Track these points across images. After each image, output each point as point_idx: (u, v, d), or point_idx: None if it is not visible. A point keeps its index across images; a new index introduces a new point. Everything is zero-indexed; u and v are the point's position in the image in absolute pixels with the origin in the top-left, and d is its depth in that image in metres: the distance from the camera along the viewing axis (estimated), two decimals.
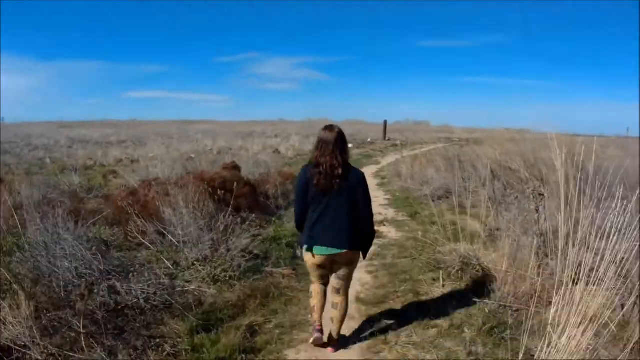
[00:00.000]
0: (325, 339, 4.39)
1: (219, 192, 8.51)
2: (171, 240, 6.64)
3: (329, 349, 4.40)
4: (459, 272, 6.32)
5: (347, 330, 4.75)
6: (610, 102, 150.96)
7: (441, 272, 6.32)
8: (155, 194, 7.91)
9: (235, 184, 8.14)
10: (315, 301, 4.42)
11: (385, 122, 36.61)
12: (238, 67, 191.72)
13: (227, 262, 6.12)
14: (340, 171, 4.02)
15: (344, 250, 4.13)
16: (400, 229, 9.05)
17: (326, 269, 4.33)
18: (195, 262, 6.13)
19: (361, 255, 4.41)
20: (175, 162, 14.71)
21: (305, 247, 4.25)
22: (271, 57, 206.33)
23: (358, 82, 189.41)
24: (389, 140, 34.67)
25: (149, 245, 6.68)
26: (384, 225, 9.35)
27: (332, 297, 4.41)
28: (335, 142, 4.08)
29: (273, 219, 8.84)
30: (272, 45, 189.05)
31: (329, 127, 4.18)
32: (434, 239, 7.57)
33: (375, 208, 9.95)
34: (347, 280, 4.40)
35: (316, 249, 4.15)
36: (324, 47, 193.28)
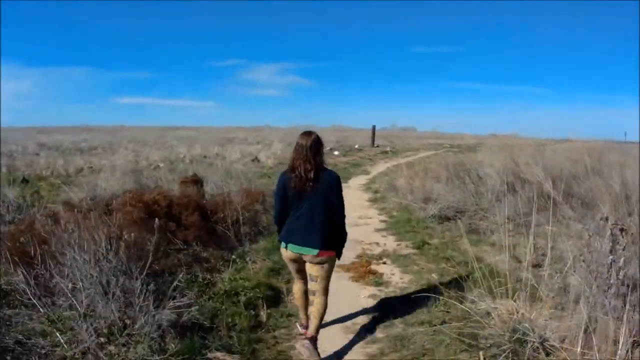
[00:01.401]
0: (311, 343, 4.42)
1: (159, 220, 6.29)
2: (62, 304, 4.34)
3: (305, 340, 4.47)
4: (512, 355, 4.04)
5: None
6: (598, 107, 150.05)
7: (481, 354, 4.06)
8: (66, 225, 5.60)
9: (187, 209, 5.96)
10: (297, 302, 4.85)
11: (374, 127, 34.53)
12: (225, 73, 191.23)
13: (143, 341, 3.85)
14: (312, 174, 4.18)
15: (316, 251, 4.24)
16: (407, 268, 6.81)
17: (300, 264, 4.49)
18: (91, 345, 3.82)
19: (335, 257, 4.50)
20: (126, 174, 12.33)
21: (282, 243, 4.45)
22: (257, 63, 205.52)
23: (343, 89, 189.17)
24: (377, 146, 32.49)
25: (40, 308, 4.38)
26: (384, 262, 7.14)
27: (310, 296, 4.57)
28: (310, 147, 4.21)
29: (233, 256, 6.57)
30: (258, 51, 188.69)
31: (307, 133, 4.33)
32: (458, 286, 5.49)
33: (370, 234, 8.17)
34: (324, 281, 4.42)
35: (290, 246, 4.35)
36: (308, 54, 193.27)
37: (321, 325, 4.51)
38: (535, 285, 4.82)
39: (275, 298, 5.54)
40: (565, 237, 7.74)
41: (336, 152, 26.99)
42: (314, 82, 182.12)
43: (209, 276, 5.86)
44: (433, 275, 6.24)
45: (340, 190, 4.32)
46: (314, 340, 4.41)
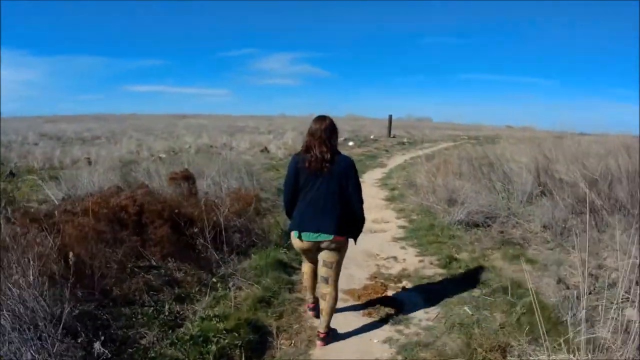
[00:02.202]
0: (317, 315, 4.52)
1: (126, 231, 5.05)
2: None
3: (318, 343, 4.31)
4: None
5: None
6: (607, 102, 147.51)
7: None
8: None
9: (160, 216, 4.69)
10: (305, 282, 4.77)
11: (390, 117, 32.97)
12: (238, 62, 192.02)
13: None
14: (328, 155, 4.08)
15: (331, 237, 4.10)
16: (432, 296, 5.34)
17: (313, 253, 4.33)
18: None
19: (352, 241, 4.40)
20: (114, 169, 11.09)
21: (294, 232, 4.25)
22: (271, 52, 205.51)
23: (357, 78, 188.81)
24: (394, 137, 31.03)
25: None
26: (404, 288, 5.68)
27: (321, 287, 4.37)
28: (325, 130, 4.15)
29: (214, 279, 5.22)
30: (271, 41, 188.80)
31: (321, 117, 4.27)
32: (497, 328, 4.33)
33: (387, 245, 7.36)
34: (336, 268, 4.30)
35: (304, 234, 4.16)
36: (322, 43, 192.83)
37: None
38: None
39: (260, 344, 4.16)
40: (610, 250, 6.56)
41: (351, 143, 25.63)
42: (327, 71, 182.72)
43: (178, 307, 4.56)
44: (465, 308, 4.90)
45: (356, 174, 4.25)
46: (327, 337, 4.33)
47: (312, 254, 4.36)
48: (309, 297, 4.79)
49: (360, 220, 4.38)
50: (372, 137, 29.87)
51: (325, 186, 4.11)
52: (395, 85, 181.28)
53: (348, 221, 4.21)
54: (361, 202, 4.30)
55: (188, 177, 8.65)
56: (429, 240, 7.38)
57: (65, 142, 26.60)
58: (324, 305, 4.32)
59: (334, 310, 4.37)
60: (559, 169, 10.28)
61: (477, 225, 7.99)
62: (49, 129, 36.47)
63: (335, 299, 4.35)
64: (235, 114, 74.10)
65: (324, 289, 4.31)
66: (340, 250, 4.25)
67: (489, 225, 7.98)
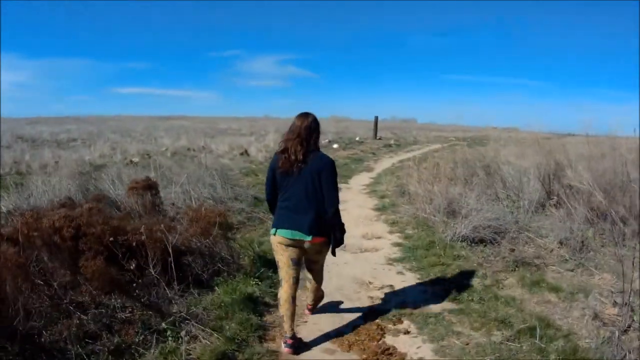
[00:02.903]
0: (296, 353, 4.10)
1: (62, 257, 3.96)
2: None
3: (306, 311, 4.83)
4: None
5: None
6: (593, 102, 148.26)
7: None
8: None
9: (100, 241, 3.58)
10: (282, 309, 4.16)
11: (376, 118, 31.81)
12: (224, 64, 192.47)
13: None
14: (301, 156, 3.98)
15: (309, 237, 4.01)
16: (443, 345, 4.19)
17: (295, 250, 4.11)
18: None
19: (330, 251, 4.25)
20: (75, 176, 9.92)
21: (272, 231, 4.17)
22: (257, 54, 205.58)
23: (341, 80, 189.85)
24: (380, 139, 29.96)
25: None
26: (406, 332, 4.50)
27: (307, 284, 4.71)
28: (305, 127, 4.05)
29: (163, 324, 4.04)
30: (257, 42, 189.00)
31: (304, 114, 4.17)
32: None
33: (381, 270, 6.26)
34: (319, 267, 4.46)
35: (280, 232, 4.08)
36: (307, 45, 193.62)
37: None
38: None
39: None
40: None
41: (335, 145, 24.53)
42: (312, 72, 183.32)
43: None
44: None
45: (331, 176, 4.06)
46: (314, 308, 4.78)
47: (292, 251, 4.11)
48: (286, 327, 4.12)
49: (337, 224, 4.12)
50: (357, 138, 28.75)
51: (298, 186, 4.03)
52: (379, 86, 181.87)
53: (323, 221, 4.06)
54: (333, 205, 4.05)
55: (150, 187, 7.52)
56: (431, 262, 6.29)
57: (40, 144, 25.35)
58: (311, 286, 4.65)
59: (318, 298, 4.81)
60: (569, 174, 9.30)
61: (483, 242, 6.95)
62: (28, 131, 35.06)
63: (320, 292, 4.73)
64: (221, 116, 73.40)
65: (308, 284, 4.69)
66: (321, 252, 4.26)
67: (497, 242, 6.94)
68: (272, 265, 5.23)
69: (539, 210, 8.38)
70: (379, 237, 7.59)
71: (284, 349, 4.06)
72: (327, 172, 4.03)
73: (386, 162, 18.52)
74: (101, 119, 62.71)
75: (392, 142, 28.12)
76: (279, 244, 4.12)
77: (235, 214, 8.40)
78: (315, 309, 4.82)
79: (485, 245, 6.88)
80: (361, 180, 13.79)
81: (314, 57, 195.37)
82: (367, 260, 6.54)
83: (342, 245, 4.35)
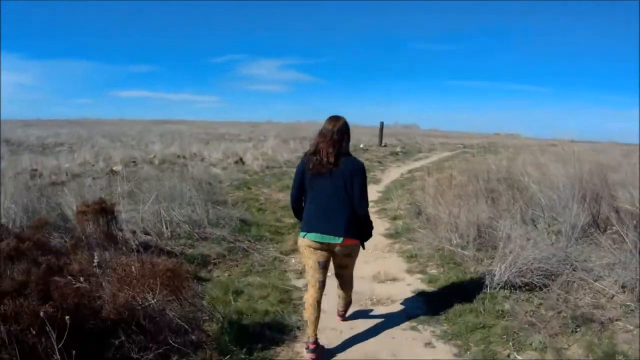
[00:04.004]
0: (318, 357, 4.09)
1: None
2: None
3: (337, 317, 4.80)
4: None
5: None
6: (598, 109, 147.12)
7: None
8: None
9: None
10: (307, 314, 4.16)
11: (382, 124, 30.17)
12: (227, 68, 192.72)
13: None
14: (332, 158, 3.99)
15: (340, 240, 3.99)
16: None
17: (323, 253, 4.09)
18: None
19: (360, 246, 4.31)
20: (23, 191, 8.31)
21: (302, 234, 4.14)
22: (258, 58, 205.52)
23: (345, 85, 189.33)
24: (385, 146, 28.33)
25: None
26: None
27: (337, 290, 4.63)
28: (336, 131, 4.07)
29: None
30: (259, 46, 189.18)
31: (334, 117, 4.20)
32: None
33: (403, 339, 4.72)
34: (349, 273, 4.43)
35: (310, 235, 4.05)
36: (310, 50, 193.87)
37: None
38: None
39: None
40: None
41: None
42: (314, 77, 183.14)
43: None
44: None
45: (363, 179, 4.10)
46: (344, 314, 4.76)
47: (320, 254, 4.09)
48: (310, 332, 4.08)
49: (367, 226, 4.28)
50: (361, 145, 27.09)
51: (329, 188, 4.01)
52: (382, 92, 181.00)
53: (354, 223, 4.07)
54: (364, 208, 4.13)
55: (104, 211, 5.95)
56: (468, 323, 4.63)
57: (24, 149, 23.77)
58: (339, 301, 4.69)
59: (349, 306, 4.76)
60: (620, 194, 7.74)
61: (528, 287, 5.33)
62: (18, 135, 33.47)
63: (352, 286, 4.57)
64: (222, 120, 73.07)
65: (340, 292, 4.62)
66: (351, 254, 4.24)
67: (545, 286, 5.32)
68: (253, 337, 4.16)
69: (581, 238, 6.77)
70: (395, 280, 5.97)
71: (307, 355, 4.07)
72: (359, 175, 4.06)
73: (394, 173, 16.90)
74: (98, 122, 61.30)
75: (398, 149, 26.45)
76: (308, 247, 4.10)
77: (214, 243, 6.81)
78: (345, 315, 4.82)
79: (531, 292, 5.27)
80: (369, 194, 12.14)
81: (315, 61, 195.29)
82: (382, 321, 4.89)
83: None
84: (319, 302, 4.13)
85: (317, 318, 4.10)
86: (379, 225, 8.67)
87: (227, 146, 23.43)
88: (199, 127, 52.41)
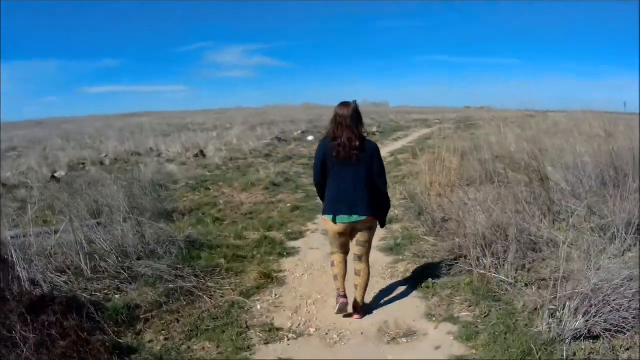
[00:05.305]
0: (350, 308, 4.46)
1: None
2: None
3: (355, 316, 4.50)
4: None
5: None
6: (566, 78, 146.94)
7: None
8: None
9: None
10: (337, 270, 4.52)
11: (355, 102, 28.29)
12: (192, 57, 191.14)
13: None
14: (357, 143, 4.18)
15: (364, 217, 4.22)
16: None
17: (347, 236, 4.40)
18: None
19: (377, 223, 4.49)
20: None
21: (327, 216, 4.31)
22: (224, 45, 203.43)
23: (312, 66, 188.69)
24: None
25: None
26: None
27: (354, 265, 4.52)
28: (351, 117, 4.22)
29: None
30: (223, 33, 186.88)
31: (345, 104, 4.33)
32: None
33: None
34: (367, 246, 4.50)
35: (339, 218, 4.23)
36: (274, 33, 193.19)
37: None
38: None
39: None
40: None
41: (310, 137, 21.03)
42: (280, 61, 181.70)
43: None
44: None
45: (381, 158, 4.39)
46: (362, 310, 4.52)
47: (344, 237, 4.40)
48: (339, 285, 4.51)
49: (387, 202, 4.53)
50: None
51: (355, 173, 4.20)
52: (348, 71, 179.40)
53: (376, 202, 4.31)
54: (385, 183, 4.41)
55: None
56: None
57: None
58: (358, 281, 4.50)
59: (367, 285, 4.56)
60: None
61: (591, 334, 3.52)
62: None
63: (369, 275, 4.54)
64: (192, 110, 70.11)
65: (357, 266, 4.50)
66: (371, 229, 4.42)
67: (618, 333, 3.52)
68: None
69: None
70: (412, 335, 4.03)
71: (340, 301, 4.40)
72: (377, 156, 4.31)
73: None
74: (63, 121, 58.32)
75: (374, 129, 24.56)
76: (335, 232, 4.31)
77: (148, 285, 4.83)
78: (364, 309, 4.54)
79: (594, 340, 3.49)
80: None
81: (280, 45, 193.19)
82: None
83: None
84: (345, 261, 4.50)
85: (345, 273, 4.49)
86: (380, 261, 6.83)
87: (188, 138, 21.29)
88: (164, 117, 49.99)
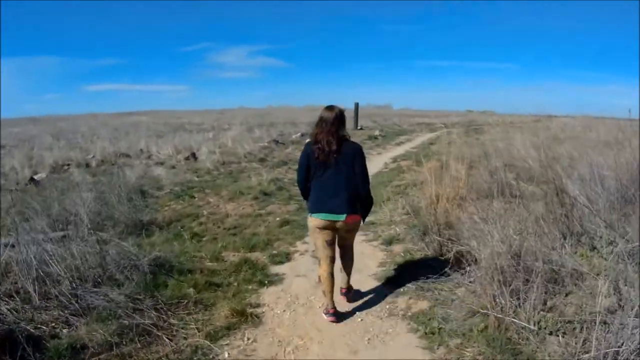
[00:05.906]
0: (338, 321, 4.42)
1: None
2: None
3: (341, 297, 4.79)
4: None
5: None
6: (568, 84, 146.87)
7: None
8: None
9: None
10: (324, 286, 4.48)
11: (357, 105, 27.35)
12: (196, 57, 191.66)
13: None
14: (334, 147, 4.26)
15: (344, 215, 4.27)
16: None
17: (329, 232, 4.39)
18: None
19: (361, 221, 4.59)
20: None
21: (310, 214, 4.40)
22: (227, 46, 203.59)
23: (315, 68, 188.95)
24: (361, 129, 25.66)
25: None
26: None
27: (341, 260, 4.69)
28: (332, 121, 4.31)
29: None
30: (227, 34, 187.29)
31: (330, 107, 4.42)
32: None
33: None
34: (350, 243, 4.70)
35: (318, 215, 4.31)
36: (278, 35, 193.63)
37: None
38: None
39: None
40: None
41: (309, 140, 20.18)
42: (284, 62, 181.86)
43: None
44: None
45: (363, 160, 4.43)
46: (349, 293, 4.85)
47: (328, 233, 4.37)
48: (327, 301, 4.46)
49: (368, 202, 4.59)
50: None
51: (334, 174, 4.29)
52: (353, 73, 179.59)
53: (357, 200, 4.37)
54: (367, 186, 4.44)
55: None
56: None
57: None
58: (345, 264, 4.73)
59: (351, 269, 4.79)
60: None
61: None
62: None
63: (353, 259, 4.77)
64: (193, 109, 70.56)
65: (343, 261, 4.71)
66: (354, 228, 4.54)
67: None
68: None
69: None
70: None
71: (327, 319, 4.41)
72: (359, 157, 4.37)
73: (376, 162, 14.15)
74: (60, 118, 57.54)
75: (377, 132, 23.75)
76: (316, 227, 4.37)
77: (99, 321, 4.01)
78: (351, 291, 4.87)
79: None
80: None
81: (284, 46, 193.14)
82: None
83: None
84: (332, 274, 4.45)
85: (332, 288, 4.46)
86: (369, 256, 5.99)
87: (182, 139, 20.47)
88: (161, 117, 49.11)
